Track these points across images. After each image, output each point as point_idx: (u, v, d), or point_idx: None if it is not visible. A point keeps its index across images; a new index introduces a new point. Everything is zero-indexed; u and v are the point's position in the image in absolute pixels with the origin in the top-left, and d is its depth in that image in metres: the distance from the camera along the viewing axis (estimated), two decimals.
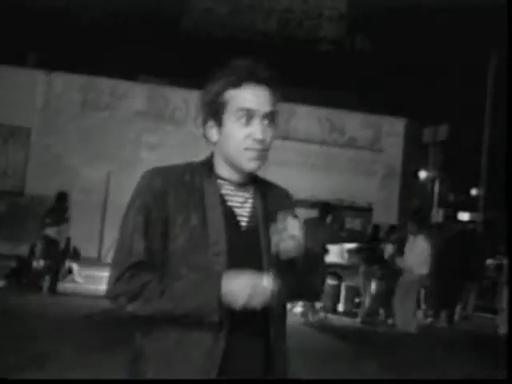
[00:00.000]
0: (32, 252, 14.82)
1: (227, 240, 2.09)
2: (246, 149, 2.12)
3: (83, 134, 20.46)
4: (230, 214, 2.15)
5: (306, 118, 22.57)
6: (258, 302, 1.97)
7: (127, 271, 2.08)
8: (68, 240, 16.11)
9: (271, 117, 2.15)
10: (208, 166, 2.22)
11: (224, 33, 27.16)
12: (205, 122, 2.19)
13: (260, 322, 2.10)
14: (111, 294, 2.12)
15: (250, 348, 2.12)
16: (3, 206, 15.06)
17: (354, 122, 23.38)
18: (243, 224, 2.18)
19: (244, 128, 2.12)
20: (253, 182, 2.24)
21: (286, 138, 20.65)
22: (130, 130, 21.10)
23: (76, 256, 15.60)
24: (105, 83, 21.45)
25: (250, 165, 2.14)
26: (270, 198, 2.25)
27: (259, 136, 2.11)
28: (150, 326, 2.11)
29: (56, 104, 20.88)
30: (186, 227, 2.09)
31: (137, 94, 21.63)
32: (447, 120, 25.91)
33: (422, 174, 28.14)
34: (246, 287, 1.96)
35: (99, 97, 21.37)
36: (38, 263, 14.34)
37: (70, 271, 15.40)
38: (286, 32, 28.99)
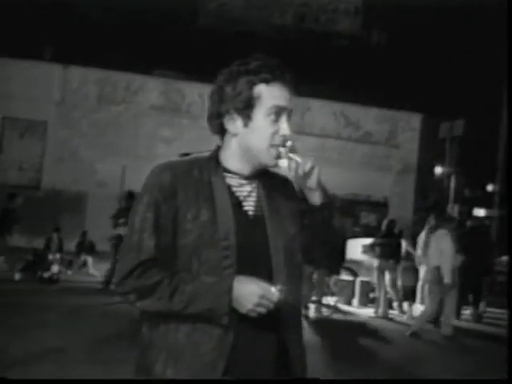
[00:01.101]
0: (47, 245, 14.90)
1: (236, 233, 2.12)
2: (273, 145, 2.17)
3: (99, 128, 20.56)
4: (237, 206, 2.18)
5: (321, 112, 22.57)
6: (262, 310, 2.01)
7: (137, 268, 2.10)
8: (84, 233, 16.21)
9: (292, 112, 2.23)
10: (214, 159, 2.24)
11: (239, 27, 27.16)
12: (225, 114, 2.20)
13: (271, 319, 2.09)
14: (121, 290, 2.15)
15: (260, 342, 2.13)
16: (13, 204, 15.14)
17: (370, 117, 23.37)
18: (250, 213, 2.20)
19: (273, 124, 2.17)
20: (257, 173, 2.26)
21: (301, 132, 20.63)
22: (146, 124, 21.17)
23: (91, 249, 15.67)
24: (121, 77, 21.53)
25: (273, 161, 2.19)
26: (273, 187, 2.29)
27: (288, 132, 2.18)
28: (161, 318, 2.13)
29: (72, 98, 20.99)
30: (196, 223, 2.11)
31: (152, 89, 21.71)
32: (463, 115, 25.79)
33: (438, 170, 28.02)
34: (253, 295, 1.99)
35: (115, 91, 21.46)
36: (54, 256, 14.43)
37: (84, 264, 15.50)
38: (301, 26, 28.94)
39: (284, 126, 2.18)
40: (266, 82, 2.17)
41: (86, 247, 15.72)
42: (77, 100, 20.93)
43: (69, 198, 20.17)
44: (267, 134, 2.17)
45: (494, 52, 24.64)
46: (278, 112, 2.18)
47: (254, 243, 2.16)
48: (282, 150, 2.18)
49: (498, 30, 22.81)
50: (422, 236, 12.87)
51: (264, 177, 2.28)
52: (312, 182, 2.17)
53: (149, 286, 2.08)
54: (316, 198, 2.21)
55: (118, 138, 20.58)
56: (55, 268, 14.03)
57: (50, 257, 14.37)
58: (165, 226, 2.12)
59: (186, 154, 2.31)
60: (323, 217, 2.23)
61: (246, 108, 2.17)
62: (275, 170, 2.34)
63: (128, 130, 20.84)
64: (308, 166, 2.13)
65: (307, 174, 2.14)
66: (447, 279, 10.54)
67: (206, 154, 2.28)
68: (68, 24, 23.14)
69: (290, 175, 2.18)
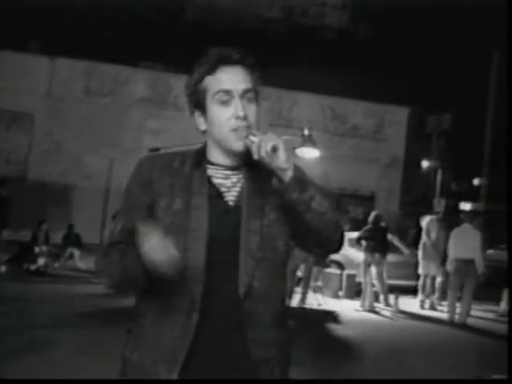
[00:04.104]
0: (34, 238, 14.87)
1: (209, 225, 2.12)
2: (232, 130, 2.13)
3: (86, 121, 20.48)
4: (217, 197, 2.18)
5: (308, 105, 22.59)
6: (164, 266, 1.92)
7: (107, 249, 2.17)
8: (71, 226, 16.18)
9: (251, 95, 2.18)
10: (201, 153, 2.25)
11: (227, 20, 27.11)
12: (192, 114, 2.26)
13: (236, 310, 2.10)
14: (95, 270, 2.22)
15: (225, 336, 2.11)
16: (5, 191, 15.08)
17: (357, 111, 23.43)
18: (231, 204, 2.19)
19: (225, 109, 2.14)
20: (246, 163, 2.21)
21: (288, 126, 20.65)
22: (133, 116, 21.13)
23: (78, 242, 15.65)
24: (108, 69, 21.46)
25: (238, 144, 2.14)
26: (263, 177, 2.19)
27: (240, 113, 2.12)
28: (137, 306, 2.21)
29: (59, 90, 20.90)
30: (169, 211, 2.14)
31: (139, 81, 21.66)
32: (450, 109, 25.89)
33: (425, 164, 28.13)
34: (153, 251, 1.91)
35: (102, 83, 21.39)
36: (41, 249, 14.40)
37: (71, 257, 15.47)
38: (289, 20, 28.93)
39: (236, 108, 2.13)
40: (209, 72, 2.17)
41: (73, 240, 15.69)
42: (64, 92, 20.84)
43: (55, 191, 20.11)
44: (222, 120, 2.14)
45: (482, 46, 24.74)
46: (227, 95, 2.14)
47: (227, 232, 2.14)
48: (243, 132, 2.11)
49: (485, 24, 22.89)
50: (434, 228, 13.18)
51: (255, 166, 2.19)
52: (280, 161, 2.05)
53: (106, 263, 2.14)
54: (288, 178, 2.08)
55: (105, 130, 20.53)
56: (42, 260, 14.01)
57: (37, 249, 14.34)
58: (139, 213, 2.16)
59: (156, 149, 2.33)
60: (298, 197, 2.10)
61: (200, 104, 2.20)
62: None
63: (115, 122, 20.79)
64: (269, 146, 2.02)
65: (271, 155, 2.03)
66: (481, 271, 11.18)
67: (197, 146, 2.30)
68: (55, 15, 23.04)
69: (255, 158, 2.07)
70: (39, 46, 22.14)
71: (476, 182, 28.13)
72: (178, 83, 21.07)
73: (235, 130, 2.13)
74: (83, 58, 20.79)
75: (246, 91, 2.16)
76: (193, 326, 2.07)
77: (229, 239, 2.14)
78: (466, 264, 11.32)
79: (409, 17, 26.33)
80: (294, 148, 10.13)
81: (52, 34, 21.97)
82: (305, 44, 26.70)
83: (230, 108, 2.14)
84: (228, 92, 2.14)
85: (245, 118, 2.12)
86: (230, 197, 2.20)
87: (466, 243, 11.37)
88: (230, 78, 2.16)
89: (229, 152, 2.19)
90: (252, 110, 2.17)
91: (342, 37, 28.91)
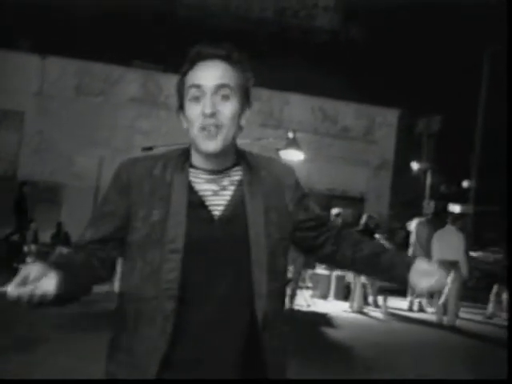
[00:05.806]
0: (23, 237, 14.82)
1: (189, 236, 2.00)
2: (201, 128, 2.02)
3: (77, 120, 20.40)
4: (199, 206, 2.06)
5: (299, 107, 22.58)
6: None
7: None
8: (59, 225, 16.13)
9: (227, 91, 2.04)
10: (184, 155, 2.14)
11: (219, 21, 27.11)
12: (177, 113, 2.17)
13: (212, 327, 2.01)
14: None
15: (198, 350, 2.02)
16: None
17: (347, 112, 23.43)
18: (216, 213, 2.06)
19: (197, 106, 2.03)
20: (237, 165, 2.13)
21: (278, 126, 20.66)
22: (124, 115, 21.07)
23: (67, 241, 15.60)
24: (99, 69, 21.39)
25: (206, 145, 2.03)
26: (264, 179, 2.14)
27: (208, 110, 2.00)
28: (114, 321, 2.16)
29: (50, 89, 20.81)
30: (146, 222, 2.04)
31: (131, 80, 21.59)
32: (440, 111, 25.96)
33: (415, 166, 28.20)
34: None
35: (93, 82, 21.31)
36: (30, 248, 14.35)
37: None
38: (281, 21, 28.94)
39: (205, 104, 2.02)
40: (189, 68, 2.08)
41: (62, 239, 15.65)
42: (55, 91, 20.76)
43: (45, 190, 20.03)
44: (194, 116, 2.04)
45: (472, 48, 24.82)
46: (198, 91, 2.04)
47: (211, 245, 2.04)
48: (211, 129, 2.01)
49: (475, 26, 22.97)
50: (423, 230, 13.18)
51: (252, 168, 2.14)
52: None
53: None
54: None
55: (96, 129, 20.46)
56: (30, 260, 13.95)
57: (26, 248, 14.30)
58: (112, 222, 2.10)
59: (149, 148, 2.26)
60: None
61: (181, 102, 2.12)
62: (268, 159, 2.25)
63: (106, 122, 20.73)
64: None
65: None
66: (465, 273, 11.36)
67: (182, 147, 2.20)
68: (46, 14, 22.97)
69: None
70: (30, 45, 22.04)
71: (465, 184, 28.22)
72: (169, 83, 20.98)
73: (203, 128, 2.02)
74: (74, 56, 20.71)
75: (219, 87, 2.03)
76: (165, 341, 1.99)
77: (212, 252, 2.03)
78: (449, 266, 11.38)
79: (400, 19, 26.39)
80: (278, 150, 10.17)
81: (43, 32, 21.90)
82: (296, 45, 26.73)
83: (200, 105, 2.03)
84: (199, 87, 2.03)
85: (213, 115, 2.01)
86: (214, 206, 2.08)
87: (449, 245, 11.45)
88: (204, 74, 2.05)
89: (202, 153, 2.08)
90: (226, 107, 2.04)
91: (333, 38, 28.95)
